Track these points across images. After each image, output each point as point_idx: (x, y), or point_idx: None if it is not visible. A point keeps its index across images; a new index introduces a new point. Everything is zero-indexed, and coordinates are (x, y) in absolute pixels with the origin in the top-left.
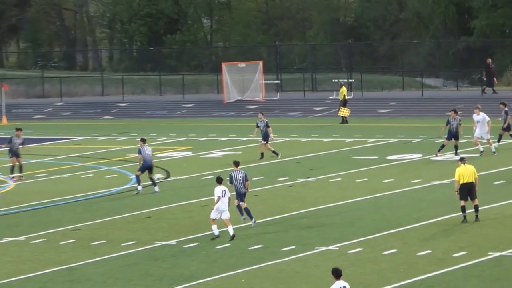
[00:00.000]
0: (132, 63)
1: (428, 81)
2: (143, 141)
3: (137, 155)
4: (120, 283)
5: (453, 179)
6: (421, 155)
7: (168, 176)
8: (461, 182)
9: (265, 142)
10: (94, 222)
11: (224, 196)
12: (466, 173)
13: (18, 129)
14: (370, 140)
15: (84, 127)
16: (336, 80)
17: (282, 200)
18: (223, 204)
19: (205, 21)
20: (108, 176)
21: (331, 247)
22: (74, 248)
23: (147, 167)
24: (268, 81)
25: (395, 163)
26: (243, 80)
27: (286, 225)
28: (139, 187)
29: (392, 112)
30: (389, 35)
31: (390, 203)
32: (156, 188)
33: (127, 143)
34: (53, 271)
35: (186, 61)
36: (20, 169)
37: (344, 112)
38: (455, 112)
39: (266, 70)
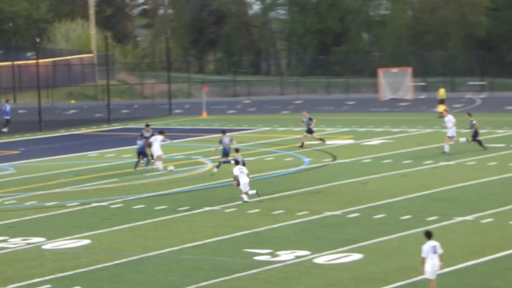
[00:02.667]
0: (305, 68)
1: None
2: (224, 132)
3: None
4: (296, 245)
5: None
6: None
7: (334, 159)
8: None
9: (309, 134)
10: (275, 196)
11: (243, 172)
12: None
13: (147, 125)
14: (498, 131)
15: (267, 120)
16: (471, 83)
17: (427, 179)
18: (244, 179)
19: (364, 35)
20: (286, 159)
21: (467, 218)
22: (259, 216)
23: (226, 153)
24: (416, 83)
25: None
26: (395, 82)
27: (430, 199)
28: (215, 170)
29: None
30: None
31: None
32: (215, 170)
33: (301, 132)
34: (242, 234)
35: (349, 67)
36: (152, 157)
37: (441, 108)
38: None
39: (414, 74)
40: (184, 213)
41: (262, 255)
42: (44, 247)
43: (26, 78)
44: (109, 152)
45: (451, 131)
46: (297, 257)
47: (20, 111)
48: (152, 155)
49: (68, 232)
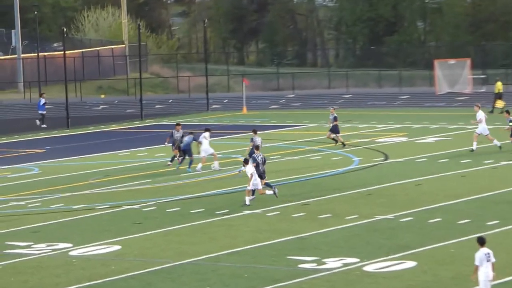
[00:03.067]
0: (355, 60)
1: None
2: (255, 131)
3: (250, 143)
4: (344, 251)
5: None
6: None
7: (386, 158)
8: None
9: (333, 133)
10: (321, 198)
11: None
12: None
13: (177, 124)
14: None
15: (313, 116)
16: None
17: (487, 180)
18: (257, 179)
19: (419, 23)
20: (333, 158)
21: None
22: (304, 220)
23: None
24: (475, 76)
25: None
26: (453, 75)
27: (490, 202)
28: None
29: None
30: None
31: None
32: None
33: (350, 129)
34: (285, 240)
35: (402, 58)
36: (182, 160)
37: (500, 103)
38: None
39: (473, 66)
40: (222, 217)
41: (307, 262)
42: (71, 253)
43: (52, 70)
44: (141, 151)
45: (481, 128)
46: (345, 264)
47: (46, 107)
48: (187, 155)
49: (97, 237)
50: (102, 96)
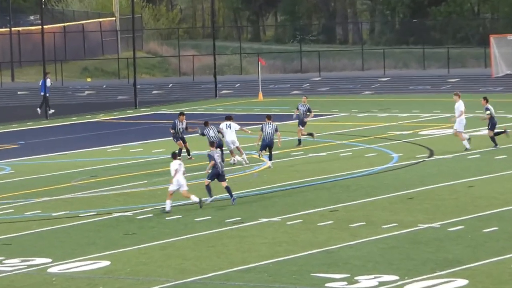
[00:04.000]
0: (394, 35)
1: None
2: (269, 117)
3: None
4: (380, 267)
5: None
6: None
7: (431, 154)
8: None
9: (302, 127)
10: (352, 203)
11: (181, 169)
12: None
13: (181, 114)
14: None
15: (343, 103)
16: None
17: None
18: (182, 178)
19: None
20: (368, 155)
21: None
22: (332, 230)
23: (266, 145)
24: None
25: None
26: None
27: None
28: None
29: None
30: None
31: None
32: (270, 163)
33: (388, 120)
34: (309, 253)
35: (451, 33)
36: (188, 152)
37: None
38: None
39: None
40: (233, 226)
41: (336, 281)
42: (50, 270)
43: (28, 49)
44: (135, 146)
45: (459, 123)
46: (382, 283)
47: (19, 93)
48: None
49: (82, 251)
50: (88, 79)
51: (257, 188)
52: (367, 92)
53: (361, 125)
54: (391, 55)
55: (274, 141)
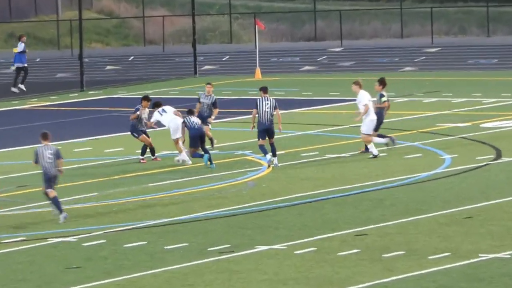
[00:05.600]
0: None
1: None
2: (264, 90)
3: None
4: None
5: None
6: None
7: (498, 156)
8: None
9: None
10: (387, 224)
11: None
12: None
13: (145, 99)
14: None
15: (374, 84)
16: None
17: None
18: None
19: None
20: (408, 156)
21: None
22: (358, 261)
23: (265, 130)
24: None
25: None
26: None
27: None
28: (268, 156)
29: None
30: None
31: None
32: (275, 160)
33: (437, 107)
34: None
35: None
36: (152, 151)
37: None
38: None
39: None
40: (220, 257)
41: None
42: None
43: None
44: (81, 144)
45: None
46: None
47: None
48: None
49: None
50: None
51: (253, 203)
52: (407, 69)
53: (400, 115)
54: (442, 16)
55: (275, 123)
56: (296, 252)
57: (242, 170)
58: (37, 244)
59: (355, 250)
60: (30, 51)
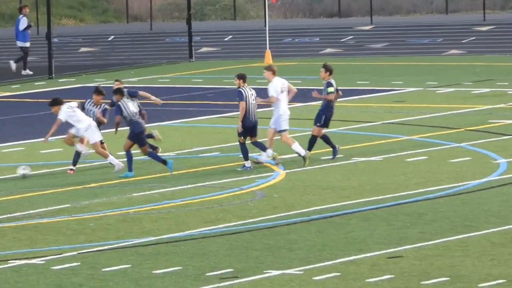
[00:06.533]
0: None
1: None
2: (243, 78)
3: None
4: None
5: None
6: None
7: None
8: None
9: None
10: (428, 243)
11: None
12: None
13: (97, 92)
14: None
15: (412, 70)
16: None
17: None
18: None
19: None
20: (454, 160)
21: None
22: None
23: (251, 128)
24: None
25: None
26: None
27: None
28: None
29: None
30: None
31: None
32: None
33: (490, 99)
34: None
35: None
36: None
37: None
38: None
39: None
40: (220, 283)
41: None
42: None
43: None
44: (49, 145)
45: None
46: None
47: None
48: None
49: None
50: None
51: (262, 218)
52: (453, 51)
53: (443, 109)
54: None
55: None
56: (314, 278)
57: (250, 176)
58: None
59: (387, 276)
60: None
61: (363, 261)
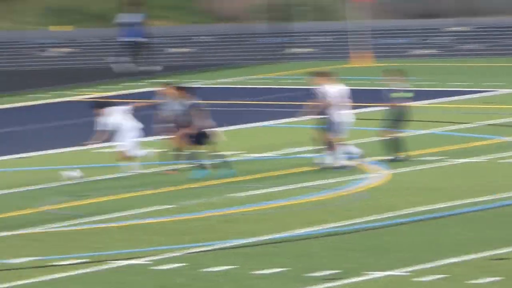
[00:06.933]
0: None
1: None
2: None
3: None
4: None
5: None
6: None
7: None
8: None
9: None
10: None
11: None
12: None
13: (167, 84)
14: None
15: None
16: None
17: None
18: None
19: None
20: None
21: None
22: None
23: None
24: None
25: None
26: None
27: None
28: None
29: None
30: None
31: None
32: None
33: None
34: None
35: None
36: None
37: None
38: None
39: None
40: (324, 284)
41: None
42: None
43: None
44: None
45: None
46: None
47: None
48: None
49: None
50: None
51: (363, 219)
52: None
53: None
54: None
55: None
56: (415, 279)
57: (350, 178)
58: (97, 268)
59: (491, 278)
60: (81, 29)
61: (467, 262)
